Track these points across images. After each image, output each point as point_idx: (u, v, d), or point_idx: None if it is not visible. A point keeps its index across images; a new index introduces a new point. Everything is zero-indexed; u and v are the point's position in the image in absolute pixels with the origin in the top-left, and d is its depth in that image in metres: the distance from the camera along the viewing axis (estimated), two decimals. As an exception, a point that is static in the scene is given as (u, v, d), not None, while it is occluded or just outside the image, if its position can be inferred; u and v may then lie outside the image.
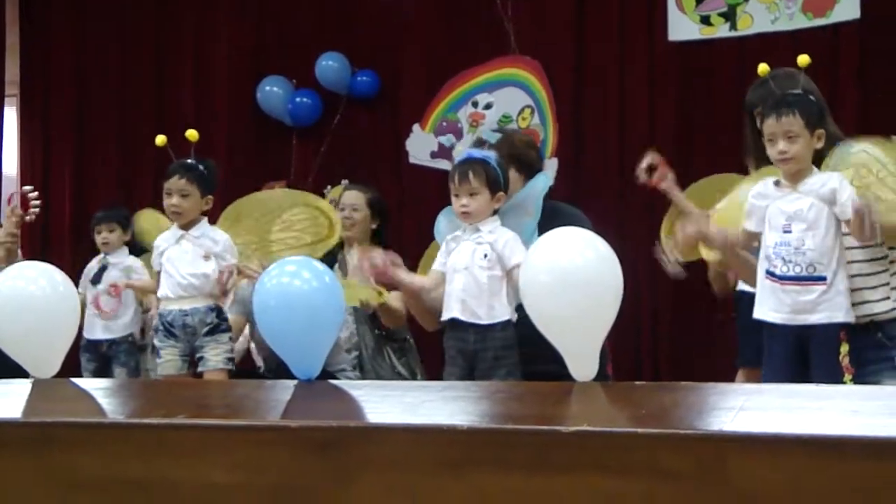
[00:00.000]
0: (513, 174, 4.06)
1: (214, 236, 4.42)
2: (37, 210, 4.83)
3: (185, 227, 4.42)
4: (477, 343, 3.69)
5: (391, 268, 3.93)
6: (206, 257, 4.37)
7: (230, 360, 4.40)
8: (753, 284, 3.78)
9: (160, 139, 4.40)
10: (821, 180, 3.56)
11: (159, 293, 4.45)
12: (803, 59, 3.63)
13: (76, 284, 4.83)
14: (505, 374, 3.65)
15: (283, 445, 2.22)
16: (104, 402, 2.96)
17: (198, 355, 4.36)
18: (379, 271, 3.97)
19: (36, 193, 4.71)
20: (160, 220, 4.71)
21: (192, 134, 4.40)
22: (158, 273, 4.48)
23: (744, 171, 4.06)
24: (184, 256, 4.38)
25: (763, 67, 3.77)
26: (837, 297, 3.51)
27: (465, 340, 3.71)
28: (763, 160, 3.86)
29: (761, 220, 3.61)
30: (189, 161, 4.44)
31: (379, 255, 3.99)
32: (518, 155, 4.11)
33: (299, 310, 2.83)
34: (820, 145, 3.59)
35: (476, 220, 3.78)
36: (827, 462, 1.88)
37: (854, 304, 3.57)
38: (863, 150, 3.66)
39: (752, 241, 3.67)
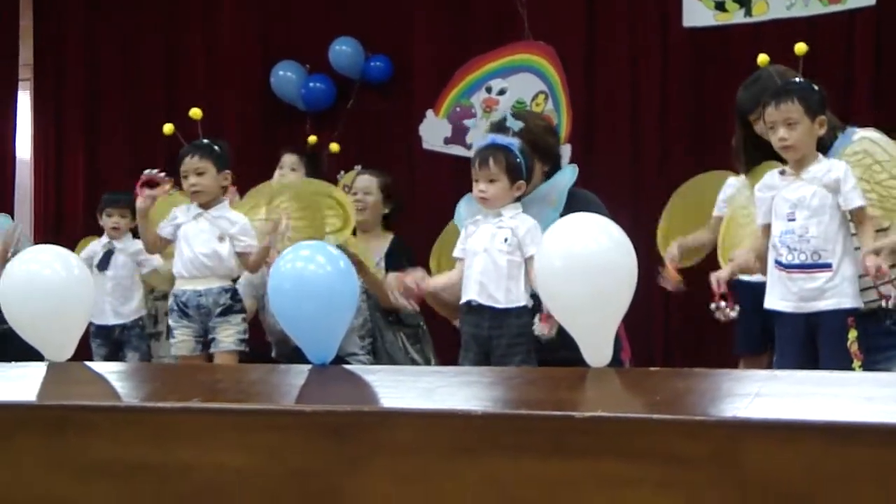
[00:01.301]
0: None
1: (232, 217, 4.43)
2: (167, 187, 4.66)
3: (205, 206, 4.44)
4: (492, 329, 3.69)
5: (422, 285, 3.91)
6: (221, 238, 4.39)
7: (242, 341, 4.40)
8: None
9: (168, 127, 4.43)
10: (825, 168, 3.57)
11: (174, 270, 4.45)
12: (800, 48, 3.62)
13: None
14: (520, 362, 3.65)
15: (298, 430, 2.23)
16: (118, 385, 2.97)
17: (210, 336, 4.37)
18: (413, 294, 3.95)
19: (164, 174, 4.65)
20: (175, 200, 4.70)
21: (195, 112, 4.47)
22: (162, 239, 4.47)
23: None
24: (199, 235, 4.39)
25: (763, 58, 3.77)
26: (844, 283, 3.52)
27: (480, 326, 3.71)
28: (752, 163, 3.88)
29: (769, 212, 3.62)
30: (197, 141, 4.48)
31: (409, 279, 3.94)
32: (535, 141, 4.05)
33: (314, 294, 2.83)
34: (822, 132, 3.59)
35: (493, 207, 3.77)
36: (842, 448, 1.87)
37: (861, 290, 3.57)
38: (864, 138, 3.67)
39: (767, 234, 3.67)
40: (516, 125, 3.93)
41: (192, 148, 4.46)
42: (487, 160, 3.76)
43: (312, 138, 5.42)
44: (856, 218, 3.56)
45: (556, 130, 4.81)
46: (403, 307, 4.16)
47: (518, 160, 3.77)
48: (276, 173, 5.31)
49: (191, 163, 4.43)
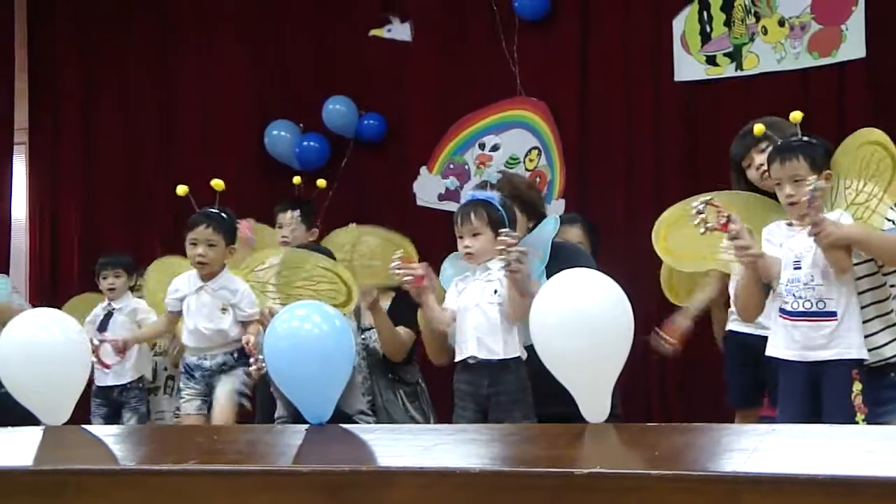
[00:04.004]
0: (517, 215, 4.05)
1: (233, 286, 4.40)
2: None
3: (206, 277, 4.41)
4: (491, 387, 3.67)
5: (427, 277, 3.88)
6: (224, 309, 4.37)
7: (242, 394, 4.38)
8: (750, 317, 3.88)
9: (182, 189, 4.38)
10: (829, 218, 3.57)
11: (183, 340, 4.46)
12: (795, 116, 3.65)
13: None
14: (520, 417, 3.63)
15: (295, 490, 2.22)
16: (115, 448, 2.95)
17: (214, 394, 4.38)
18: (418, 276, 3.90)
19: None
20: (175, 268, 4.70)
21: (217, 184, 4.38)
22: (171, 313, 4.48)
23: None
24: (202, 310, 4.38)
25: (759, 128, 3.80)
26: (849, 333, 3.51)
27: (479, 384, 3.69)
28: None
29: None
30: (213, 210, 4.40)
31: (422, 265, 3.94)
32: (519, 195, 4.10)
33: (310, 354, 2.83)
34: (828, 186, 3.61)
35: (479, 261, 3.78)
36: (841, 502, 1.87)
37: (870, 350, 3.57)
38: (843, 188, 3.68)
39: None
40: (494, 178, 3.96)
41: (207, 218, 4.37)
42: (469, 214, 3.78)
43: (297, 179, 5.37)
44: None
45: (537, 186, 4.82)
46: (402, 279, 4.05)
47: (500, 213, 3.79)
48: (278, 233, 5.28)
49: (204, 233, 4.36)
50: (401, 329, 4.77)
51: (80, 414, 3.24)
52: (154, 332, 4.87)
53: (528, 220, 4.12)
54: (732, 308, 4.20)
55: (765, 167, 3.82)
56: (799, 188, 3.55)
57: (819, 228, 3.44)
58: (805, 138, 3.63)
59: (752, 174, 4.08)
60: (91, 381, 5.27)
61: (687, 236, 3.97)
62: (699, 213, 3.54)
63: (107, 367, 4.77)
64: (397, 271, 3.87)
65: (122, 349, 4.57)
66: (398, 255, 3.94)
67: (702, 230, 3.55)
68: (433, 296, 3.89)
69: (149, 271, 5.09)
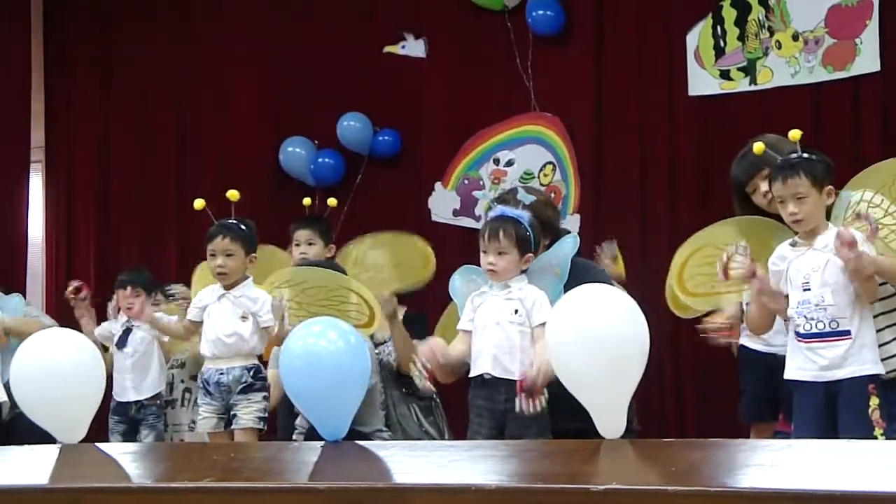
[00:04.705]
0: None
1: (254, 295, 4.43)
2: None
3: (228, 286, 4.45)
4: (508, 402, 3.64)
5: (440, 354, 3.85)
6: (244, 317, 4.40)
7: (262, 419, 4.40)
8: (760, 330, 3.93)
9: (199, 203, 4.41)
10: (834, 236, 3.57)
11: (200, 350, 4.48)
12: (794, 135, 3.65)
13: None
14: (536, 434, 3.60)
15: (311, 508, 2.21)
16: (131, 466, 2.95)
17: (231, 413, 4.38)
18: (436, 364, 3.87)
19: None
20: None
21: (233, 194, 4.42)
22: (193, 323, 4.50)
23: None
24: (222, 317, 4.41)
25: (759, 146, 3.80)
26: (863, 350, 3.51)
27: (496, 399, 3.67)
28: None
29: (784, 283, 3.63)
30: (231, 221, 4.46)
31: (428, 349, 3.89)
32: (536, 215, 4.06)
33: (325, 371, 2.83)
34: (830, 201, 3.62)
35: (501, 279, 3.75)
36: (861, 518, 1.86)
37: (883, 360, 3.56)
38: (862, 201, 3.68)
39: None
40: (527, 198, 3.91)
41: (224, 228, 4.43)
42: (497, 232, 3.72)
43: (307, 201, 5.40)
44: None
45: (554, 203, 4.81)
46: (421, 383, 4.08)
47: (528, 233, 3.74)
48: (295, 250, 5.30)
49: (221, 243, 4.42)
50: (416, 342, 4.76)
51: (100, 431, 3.24)
52: (172, 329, 4.82)
53: (543, 239, 4.09)
54: (744, 324, 4.20)
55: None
56: (801, 205, 3.55)
57: (856, 254, 3.44)
58: (805, 155, 3.63)
59: (758, 199, 4.06)
60: (109, 396, 5.32)
61: (704, 275, 3.98)
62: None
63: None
64: (423, 374, 3.85)
65: (140, 312, 4.59)
66: (419, 365, 3.88)
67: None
68: (447, 349, 3.84)
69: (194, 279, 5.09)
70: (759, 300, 3.74)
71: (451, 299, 4.21)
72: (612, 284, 3.63)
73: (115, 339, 5.43)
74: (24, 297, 6.39)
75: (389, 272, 5.12)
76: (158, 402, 5.47)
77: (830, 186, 3.61)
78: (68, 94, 8.19)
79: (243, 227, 4.47)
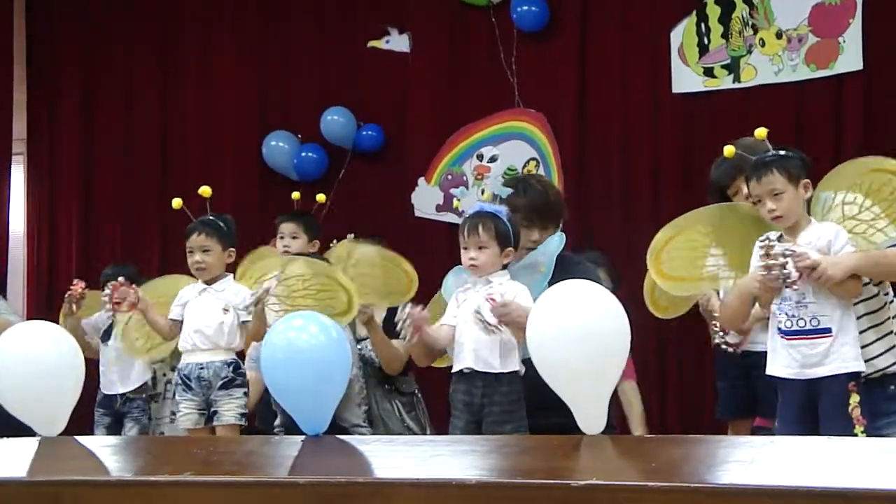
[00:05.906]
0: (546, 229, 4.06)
1: (234, 289, 4.43)
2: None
3: (209, 282, 4.45)
4: (485, 396, 3.66)
5: (424, 319, 3.85)
6: (226, 310, 4.39)
7: (243, 415, 4.39)
8: (733, 325, 3.95)
9: (176, 202, 4.43)
10: (817, 232, 3.58)
11: (179, 344, 4.46)
12: (760, 133, 3.67)
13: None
14: (511, 430, 3.62)
15: (291, 501, 2.21)
16: (111, 459, 2.95)
17: (212, 409, 4.37)
18: (415, 319, 3.88)
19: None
20: (180, 282, 4.69)
21: (205, 190, 4.47)
22: (173, 321, 4.48)
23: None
24: (203, 309, 4.40)
25: (729, 149, 3.81)
26: (844, 347, 3.51)
27: (473, 393, 3.69)
28: None
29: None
30: (209, 217, 4.47)
31: (417, 309, 3.91)
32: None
33: (306, 365, 2.82)
34: (809, 195, 3.63)
35: (483, 273, 3.77)
36: (840, 514, 1.86)
37: (866, 360, 3.56)
38: (842, 202, 3.69)
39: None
40: (504, 192, 3.94)
41: (200, 225, 4.45)
42: (476, 227, 3.76)
43: (296, 194, 5.37)
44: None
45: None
46: (404, 336, 4.04)
47: (506, 227, 3.78)
48: (279, 243, 5.29)
49: (197, 240, 4.43)
50: (396, 342, 4.74)
51: (84, 424, 3.23)
52: (160, 323, 4.75)
53: (551, 231, 4.09)
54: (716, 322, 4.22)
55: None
56: (779, 201, 3.55)
57: (819, 275, 3.44)
58: (779, 152, 3.64)
59: (740, 200, 4.10)
60: (96, 389, 5.32)
61: (681, 258, 3.98)
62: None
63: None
64: (407, 327, 3.84)
65: (134, 303, 4.56)
66: (407, 309, 3.87)
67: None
68: (431, 328, 3.85)
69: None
70: (742, 295, 3.74)
71: (431, 295, 4.22)
72: (598, 281, 3.63)
73: (101, 332, 5.42)
74: (5, 290, 6.38)
75: (374, 272, 5.08)
76: (143, 395, 5.45)
77: (807, 180, 3.61)
78: (50, 86, 8.16)
79: (220, 222, 4.47)
